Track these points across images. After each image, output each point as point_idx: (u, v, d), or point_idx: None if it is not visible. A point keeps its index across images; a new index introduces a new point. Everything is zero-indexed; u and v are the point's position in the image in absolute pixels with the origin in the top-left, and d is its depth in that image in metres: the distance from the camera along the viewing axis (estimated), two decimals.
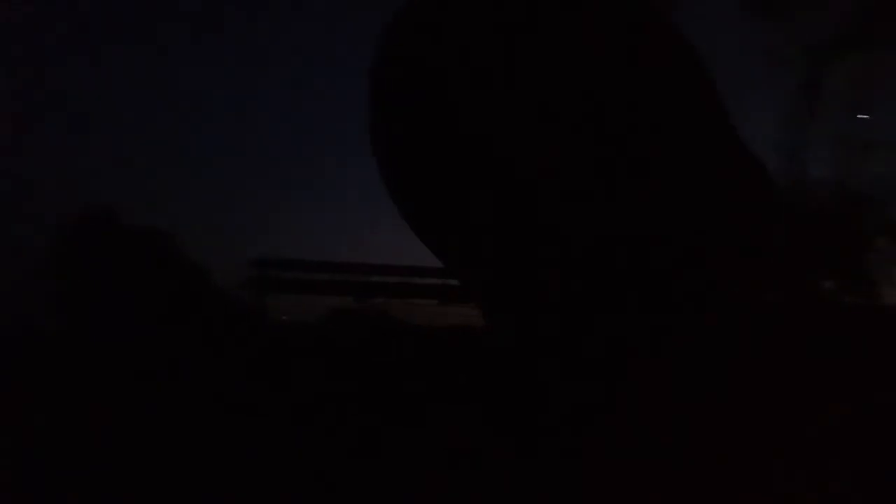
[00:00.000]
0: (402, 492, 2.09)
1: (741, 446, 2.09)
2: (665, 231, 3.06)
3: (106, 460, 2.44)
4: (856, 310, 6.30)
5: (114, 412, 3.02)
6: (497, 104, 2.94)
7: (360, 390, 3.43)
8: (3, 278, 6.68)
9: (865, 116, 6.81)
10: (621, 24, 3.04)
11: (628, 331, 3.14)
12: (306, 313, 7.49)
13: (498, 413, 2.81)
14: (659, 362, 2.90)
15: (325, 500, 2.08)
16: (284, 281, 7.91)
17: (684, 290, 3.22)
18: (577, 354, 3.02)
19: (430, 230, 3.49)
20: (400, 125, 3.26)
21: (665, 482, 1.85)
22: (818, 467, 1.94)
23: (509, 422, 2.68)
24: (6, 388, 3.41)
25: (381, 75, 3.38)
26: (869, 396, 2.57)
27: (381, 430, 2.72)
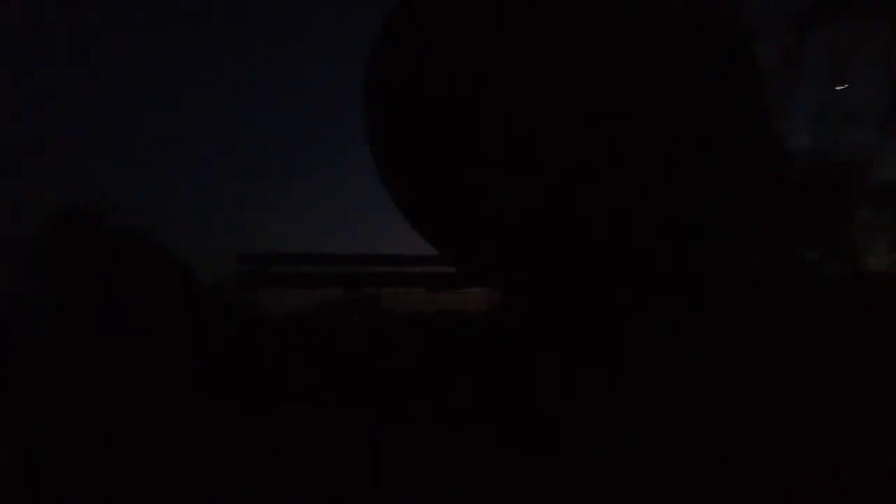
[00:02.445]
0: (400, 480, 2.10)
1: (741, 444, 2.11)
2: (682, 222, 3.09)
3: (101, 455, 2.43)
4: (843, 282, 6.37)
5: (106, 407, 3.01)
6: (504, 97, 2.96)
7: (353, 379, 3.43)
8: None
9: (845, 86, 6.84)
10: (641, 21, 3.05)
11: (636, 320, 3.18)
12: (296, 306, 7.49)
13: (492, 401, 2.82)
14: (661, 359, 2.93)
15: (322, 491, 2.09)
16: (273, 275, 7.90)
17: (694, 282, 3.26)
18: (579, 345, 3.05)
19: (431, 220, 3.50)
20: (399, 118, 3.27)
21: (665, 481, 1.87)
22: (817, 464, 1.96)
23: (504, 410, 2.69)
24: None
25: (379, 71, 3.38)
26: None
27: (376, 419, 2.73)
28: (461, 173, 3.16)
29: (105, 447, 2.51)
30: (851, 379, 2.72)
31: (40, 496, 2.08)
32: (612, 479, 1.85)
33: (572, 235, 3.04)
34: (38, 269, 7.02)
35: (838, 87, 6.82)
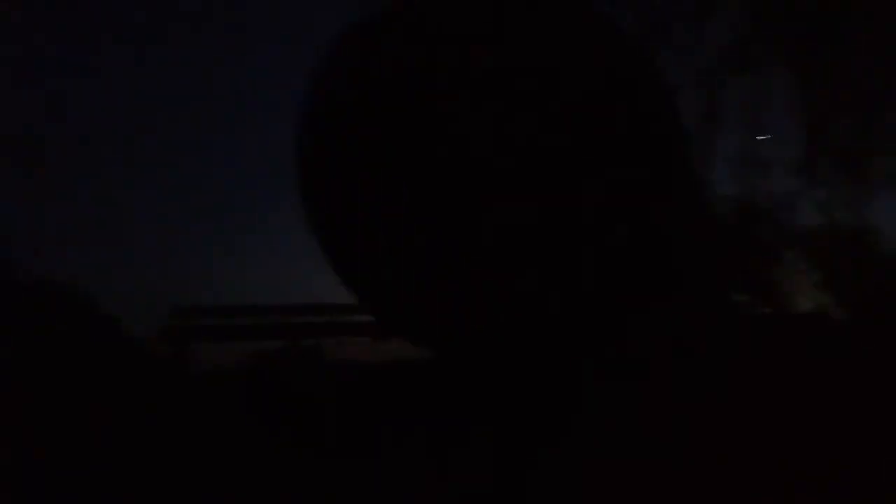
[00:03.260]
0: None
1: (741, 447, 2.11)
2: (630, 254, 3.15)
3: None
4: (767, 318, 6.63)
5: (23, 475, 2.80)
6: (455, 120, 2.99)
7: (294, 433, 3.30)
8: None
9: (763, 137, 7.30)
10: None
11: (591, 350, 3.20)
12: (232, 360, 7.20)
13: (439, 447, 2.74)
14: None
15: None
16: (208, 328, 7.61)
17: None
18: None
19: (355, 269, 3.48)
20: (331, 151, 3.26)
21: (664, 483, 1.85)
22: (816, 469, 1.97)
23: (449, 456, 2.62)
24: None
25: (312, 109, 3.40)
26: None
27: (319, 470, 2.62)
28: (379, 222, 3.16)
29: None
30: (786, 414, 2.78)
31: None
32: (612, 479, 1.82)
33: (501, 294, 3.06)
34: None
35: (759, 138, 7.27)
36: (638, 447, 2.11)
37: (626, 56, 3.48)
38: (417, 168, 3.07)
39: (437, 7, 3.19)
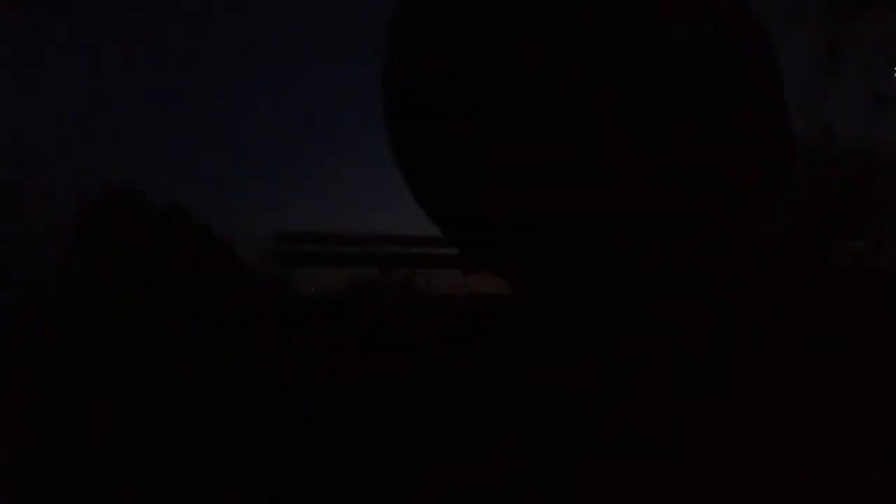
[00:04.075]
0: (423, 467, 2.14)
1: (742, 446, 2.09)
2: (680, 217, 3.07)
3: (119, 432, 2.50)
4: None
5: (133, 385, 3.10)
6: (510, 84, 2.97)
7: (383, 361, 3.49)
8: (30, 256, 6.84)
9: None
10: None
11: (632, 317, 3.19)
12: (330, 285, 7.60)
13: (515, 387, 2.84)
14: (661, 356, 2.92)
15: (346, 478, 2.12)
16: (308, 254, 8.03)
17: (692, 282, 3.26)
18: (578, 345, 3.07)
19: (438, 203, 3.55)
20: (411, 104, 3.31)
21: (665, 482, 1.88)
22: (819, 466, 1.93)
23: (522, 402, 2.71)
24: (31, 357, 3.52)
25: (394, 57, 3.43)
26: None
27: (405, 403, 2.76)
28: (469, 164, 3.18)
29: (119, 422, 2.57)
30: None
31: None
32: (613, 479, 1.88)
33: (578, 233, 3.04)
34: (78, 250, 7.19)
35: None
36: (638, 447, 2.11)
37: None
38: (510, 101, 3.06)
39: None
